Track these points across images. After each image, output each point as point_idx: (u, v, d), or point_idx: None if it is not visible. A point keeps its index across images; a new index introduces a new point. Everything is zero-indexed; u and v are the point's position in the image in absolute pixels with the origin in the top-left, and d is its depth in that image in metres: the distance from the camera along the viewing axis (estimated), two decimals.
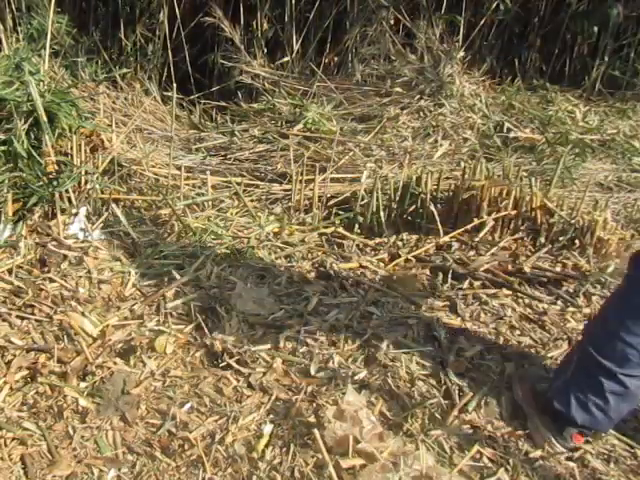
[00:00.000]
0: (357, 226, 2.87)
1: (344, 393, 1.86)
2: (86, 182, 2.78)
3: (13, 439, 1.71)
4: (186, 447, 1.73)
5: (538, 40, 5.11)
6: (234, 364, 2.01)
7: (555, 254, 2.71)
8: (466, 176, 2.88)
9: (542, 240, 2.78)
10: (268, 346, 2.11)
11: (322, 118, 3.71)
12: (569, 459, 1.76)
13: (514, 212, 2.83)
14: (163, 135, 3.69)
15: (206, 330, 2.16)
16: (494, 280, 2.53)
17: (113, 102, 3.93)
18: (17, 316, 2.16)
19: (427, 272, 2.59)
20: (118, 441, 1.74)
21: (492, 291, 2.48)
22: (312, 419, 1.80)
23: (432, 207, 2.81)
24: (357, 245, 2.76)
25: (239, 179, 3.17)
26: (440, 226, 2.76)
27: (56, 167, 2.72)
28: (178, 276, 2.43)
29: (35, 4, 3.94)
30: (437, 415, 1.87)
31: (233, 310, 2.26)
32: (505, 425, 1.85)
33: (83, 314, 2.18)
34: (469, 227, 2.80)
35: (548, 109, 4.32)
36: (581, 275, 2.58)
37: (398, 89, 4.14)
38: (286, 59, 4.62)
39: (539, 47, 5.14)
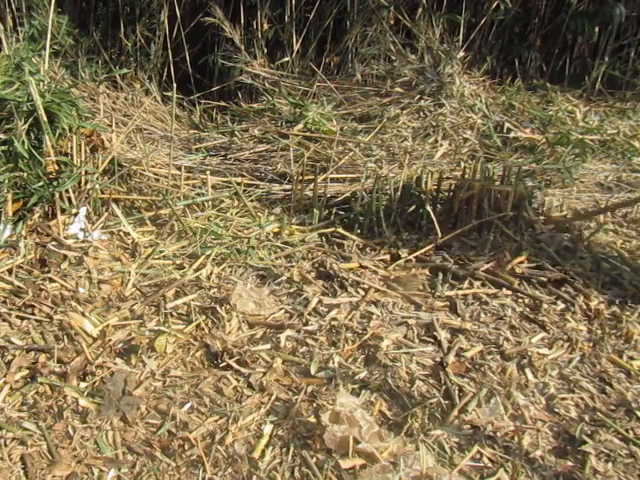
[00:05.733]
0: (357, 226, 2.87)
1: None
2: (86, 182, 2.78)
3: (13, 439, 1.71)
4: (186, 447, 1.73)
5: (538, 40, 5.10)
6: (234, 364, 2.01)
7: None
8: (466, 176, 2.89)
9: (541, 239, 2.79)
10: (268, 346, 2.11)
11: (322, 118, 3.71)
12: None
13: (514, 212, 2.84)
14: (163, 135, 3.69)
15: (206, 330, 2.17)
16: (494, 280, 2.53)
17: (113, 102, 3.93)
18: (17, 316, 2.16)
19: (427, 272, 2.60)
20: (118, 441, 1.74)
21: (492, 291, 2.48)
22: (312, 419, 1.80)
23: (429, 208, 2.81)
24: (357, 245, 2.76)
25: (239, 179, 3.17)
26: (438, 228, 2.75)
27: (56, 167, 2.72)
28: (178, 276, 2.43)
29: (35, 4, 3.95)
30: (437, 415, 1.87)
31: (233, 310, 2.26)
32: (505, 425, 1.85)
33: (83, 314, 2.19)
34: (468, 227, 2.81)
35: (548, 109, 4.32)
36: (581, 275, 2.58)
37: (398, 89, 4.14)
38: (286, 59, 4.62)
39: (539, 47, 5.13)
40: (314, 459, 1.69)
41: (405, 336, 2.20)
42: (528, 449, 1.77)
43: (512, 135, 3.85)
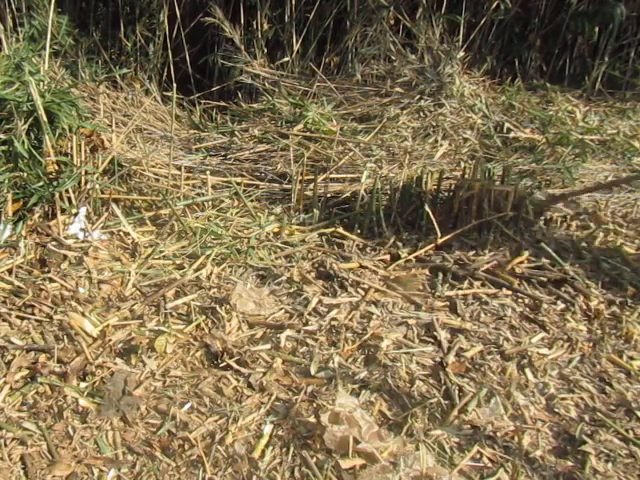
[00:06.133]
0: (357, 226, 2.87)
1: None
2: (86, 182, 2.78)
3: (13, 439, 1.71)
4: (186, 447, 1.73)
5: (538, 40, 5.10)
6: (234, 364, 2.01)
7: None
8: (466, 176, 2.89)
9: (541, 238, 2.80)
10: (268, 346, 2.11)
11: (322, 118, 3.70)
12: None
13: (514, 212, 2.84)
14: (163, 135, 3.69)
15: (206, 330, 2.17)
16: (494, 280, 2.53)
17: (113, 102, 3.93)
18: (17, 316, 2.16)
19: (427, 272, 2.60)
20: (118, 441, 1.74)
21: (492, 291, 2.48)
22: (312, 419, 1.80)
23: (427, 208, 2.81)
24: (357, 245, 2.76)
25: (239, 179, 3.17)
26: (437, 228, 2.75)
27: (56, 167, 2.72)
28: (178, 276, 2.43)
29: (35, 4, 3.95)
30: (437, 415, 1.87)
31: (233, 310, 2.26)
32: (505, 425, 1.85)
33: (83, 314, 2.19)
34: (468, 227, 2.81)
35: (548, 109, 4.32)
36: (581, 275, 2.58)
37: (398, 89, 4.14)
38: (286, 59, 4.62)
39: (539, 47, 5.13)
40: (314, 459, 1.69)
41: (405, 336, 2.20)
42: (528, 449, 1.77)
43: (512, 135, 3.84)
